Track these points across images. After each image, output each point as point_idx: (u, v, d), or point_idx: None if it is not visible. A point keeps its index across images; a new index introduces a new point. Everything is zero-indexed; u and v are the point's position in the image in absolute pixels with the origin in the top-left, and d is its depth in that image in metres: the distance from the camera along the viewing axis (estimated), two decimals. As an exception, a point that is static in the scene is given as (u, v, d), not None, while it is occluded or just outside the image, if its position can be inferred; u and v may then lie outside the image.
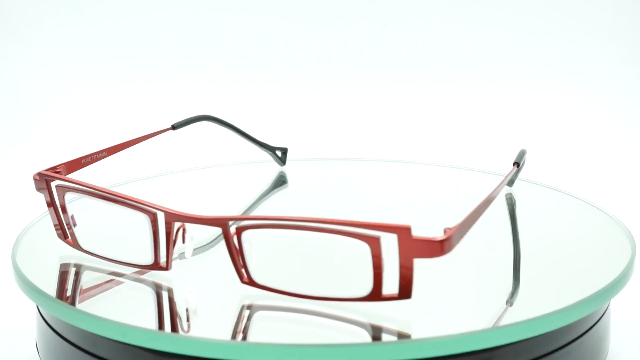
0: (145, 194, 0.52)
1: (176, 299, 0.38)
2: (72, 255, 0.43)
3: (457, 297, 0.38)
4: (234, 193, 0.56)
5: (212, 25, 0.88)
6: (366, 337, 0.34)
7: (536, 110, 0.84)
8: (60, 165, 0.46)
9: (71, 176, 0.44)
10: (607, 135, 0.80)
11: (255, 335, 0.34)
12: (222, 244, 0.36)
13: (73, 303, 0.37)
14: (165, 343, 0.33)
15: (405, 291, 0.34)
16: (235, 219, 0.36)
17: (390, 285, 0.34)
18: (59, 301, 0.36)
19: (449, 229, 0.34)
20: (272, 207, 0.53)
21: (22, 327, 0.46)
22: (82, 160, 0.48)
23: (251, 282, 0.36)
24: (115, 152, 0.51)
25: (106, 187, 0.41)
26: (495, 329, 0.34)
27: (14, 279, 0.39)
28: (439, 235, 0.33)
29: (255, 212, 0.51)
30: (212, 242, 0.44)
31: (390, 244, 0.33)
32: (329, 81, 0.86)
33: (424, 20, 0.88)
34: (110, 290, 0.39)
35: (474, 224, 0.36)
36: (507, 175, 0.45)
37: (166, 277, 0.39)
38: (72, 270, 0.41)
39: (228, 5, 0.88)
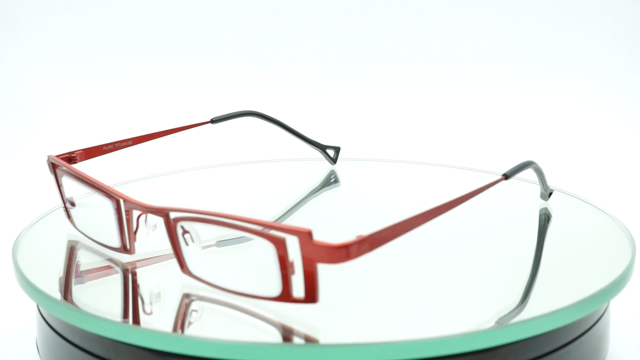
0: (197, 186, 0.55)
1: (143, 287, 0.39)
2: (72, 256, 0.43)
3: (457, 297, 0.38)
4: (281, 190, 0.56)
5: (201, 28, 0.88)
6: (276, 336, 0.34)
7: (536, 111, 0.84)
8: (78, 150, 0.47)
9: (86, 163, 0.47)
10: (608, 136, 0.80)
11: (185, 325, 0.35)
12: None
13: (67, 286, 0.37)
14: (166, 343, 0.33)
15: (310, 295, 0.33)
16: (175, 210, 0.36)
17: (300, 287, 0.34)
18: (59, 301, 0.36)
19: (360, 236, 0.33)
20: (321, 205, 0.52)
21: (22, 327, 0.46)
22: (104, 147, 0.48)
23: (187, 272, 0.37)
24: (142, 142, 0.50)
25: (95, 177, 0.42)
26: (495, 328, 0.34)
27: (15, 279, 0.39)
28: (339, 241, 0.33)
29: (304, 210, 0.51)
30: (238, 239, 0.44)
31: (296, 247, 0.33)
32: (329, 81, 0.86)
33: (424, 20, 0.88)
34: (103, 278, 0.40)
35: (402, 234, 0.35)
36: (474, 191, 0.40)
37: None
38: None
39: (228, 5, 0.88)
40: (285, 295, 0.34)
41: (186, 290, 0.38)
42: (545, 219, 0.47)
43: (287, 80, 0.87)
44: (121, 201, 0.39)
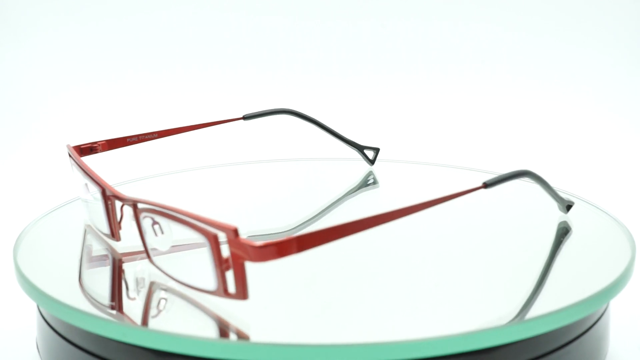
0: (229, 183, 0.56)
1: (128, 275, 0.40)
2: (73, 256, 0.43)
3: (457, 297, 0.38)
4: (316, 189, 0.56)
5: (204, 27, 0.88)
6: (212, 331, 0.35)
7: (536, 110, 0.84)
8: (101, 141, 0.48)
9: (107, 153, 0.49)
10: (608, 136, 0.80)
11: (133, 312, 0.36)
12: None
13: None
14: (166, 343, 0.33)
15: (241, 291, 0.34)
16: (142, 202, 0.37)
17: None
18: (59, 301, 0.36)
19: (289, 237, 0.33)
20: (358, 206, 0.51)
21: (22, 327, 0.46)
22: (127, 139, 0.49)
23: (151, 261, 0.38)
24: (167, 135, 0.51)
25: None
26: (495, 329, 0.34)
27: (15, 279, 0.39)
28: (262, 241, 0.33)
29: (340, 211, 0.50)
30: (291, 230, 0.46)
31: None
32: (329, 81, 0.86)
33: (423, 20, 0.88)
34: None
35: (335, 239, 0.34)
36: (447, 197, 0.39)
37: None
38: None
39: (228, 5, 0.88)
40: (222, 290, 0.34)
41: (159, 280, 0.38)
42: (562, 234, 0.45)
43: (287, 80, 0.87)
44: (106, 190, 0.40)
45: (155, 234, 0.37)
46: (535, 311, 0.36)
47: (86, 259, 0.43)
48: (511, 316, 0.35)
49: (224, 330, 0.35)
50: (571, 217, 0.49)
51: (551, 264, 0.42)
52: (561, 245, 0.44)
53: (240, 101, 0.84)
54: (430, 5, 0.88)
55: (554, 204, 0.51)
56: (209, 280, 0.34)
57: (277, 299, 0.38)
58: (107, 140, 0.49)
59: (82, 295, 0.38)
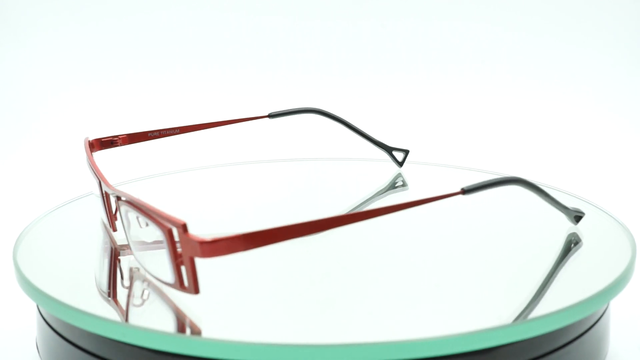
0: (265, 180, 0.57)
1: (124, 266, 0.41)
2: (72, 256, 0.43)
3: (457, 297, 0.38)
4: (345, 189, 0.56)
5: (203, 26, 0.88)
6: (170, 325, 0.35)
7: (536, 110, 0.84)
8: (122, 135, 0.49)
9: (128, 147, 0.50)
10: (608, 136, 0.80)
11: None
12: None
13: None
14: (166, 343, 0.33)
15: (192, 285, 0.34)
16: (122, 194, 0.38)
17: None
18: (59, 301, 0.36)
19: (237, 235, 0.33)
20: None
21: (22, 327, 0.46)
22: (149, 134, 0.49)
23: (129, 251, 0.40)
24: (189, 132, 0.51)
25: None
26: (495, 329, 0.34)
27: (15, 279, 0.39)
28: (209, 237, 0.33)
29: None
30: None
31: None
32: (329, 81, 0.87)
33: (424, 20, 0.88)
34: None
35: (284, 239, 0.34)
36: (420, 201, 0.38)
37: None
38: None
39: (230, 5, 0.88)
40: (178, 284, 0.35)
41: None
42: (569, 245, 0.44)
43: (287, 80, 0.87)
44: (102, 183, 0.41)
45: (140, 227, 0.37)
46: (535, 311, 0.36)
47: (100, 251, 0.44)
48: (511, 316, 0.35)
49: (181, 323, 0.35)
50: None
51: (556, 270, 0.41)
52: (568, 255, 0.42)
53: (253, 101, 0.84)
54: (430, 5, 0.88)
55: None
56: (169, 273, 0.35)
57: (277, 298, 0.38)
58: (127, 134, 0.49)
59: (82, 295, 0.38)
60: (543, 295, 0.38)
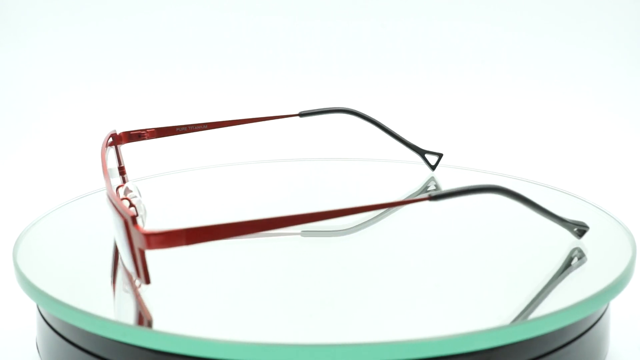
0: (298, 178, 0.57)
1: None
2: (72, 256, 0.43)
3: (457, 297, 0.38)
4: (377, 190, 0.55)
5: (203, 26, 0.88)
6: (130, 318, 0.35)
7: (536, 110, 0.84)
8: (150, 129, 0.50)
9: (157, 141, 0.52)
10: (608, 136, 0.80)
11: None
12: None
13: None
14: (166, 343, 0.33)
15: (144, 276, 0.35)
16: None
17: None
18: (59, 301, 0.36)
19: (180, 230, 0.34)
20: (419, 211, 0.49)
21: (22, 327, 0.46)
22: (177, 129, 0.50)
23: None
24: (217, 127, 0.51)
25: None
26: (495, 329, 0.34)
27: (15, 279, 0.39)
28: (154, 229, 0.34)
29: (401, 214, 0.49)
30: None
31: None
32: (329, 81, 0.86)
33: (424, 20, 0.88)
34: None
35: (229, 236, 0.34)
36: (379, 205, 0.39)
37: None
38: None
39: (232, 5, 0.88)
40: (136, 274, 0.35)
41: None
42: (570, 259, 0.42)
43: (287, 80, 0.87)
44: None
45: (137, 214, 0.39)
46: (535, 312, 0.36)
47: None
48: (511, 317, 0.35)
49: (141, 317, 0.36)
50: (571, 216, 0.48)
51: (557, 273, 0.41)
52: (570, 267, 0.41)
53: (270, 101, 0.84)
54: (430, 5, 0.88)
55: (553, 203, 0.50)
56: (130, 263, 0.35)
57: (277, 298, 0.38)
58: (156, 129, 0.50)
59: (82, 295, 0.38)
60: (543, 295, 0.38)
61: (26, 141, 0.80)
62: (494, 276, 0.41)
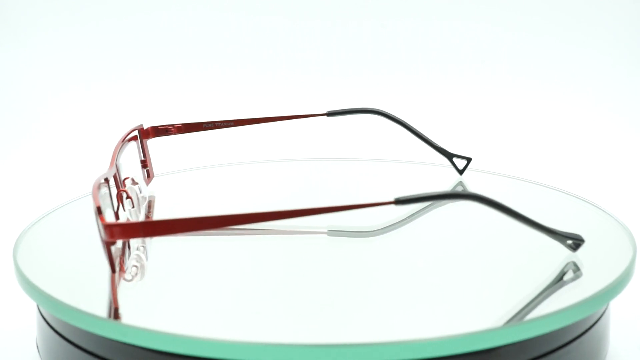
0: (327, 177, 0.57)
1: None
2: (72, 256, 0.43)
3: (457, 297, 0.38)
4: (404, 191, 0.54)
5: (200, 26, 0.88)
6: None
7: (536, 110, 0.84)
8: (177, 124, 0.51)
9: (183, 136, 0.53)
10: (608, 136, 0.80)
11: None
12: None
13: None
14: (166, 343, 0.33)
15: (110, 265, 0.37)
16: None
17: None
18: (59, 301, 0.36)
19: (136, 222, 0.36)
20: (447, 216, 0.49)
21: (22, 327, 0.46)
22: (204, 125, 0.51)
23: None
24: (243, 125, 0.52)
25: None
26: (495, 329, 0.34)
27: (15, 279, 0.39)
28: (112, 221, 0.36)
29: (429, 218, 0.48)
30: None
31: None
32: (329, 81, 0.86)
33: (424, 20, 0.88)
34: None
35: (184, 231, 0.36)
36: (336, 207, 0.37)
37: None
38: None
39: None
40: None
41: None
42: (563, 274, 0.40)
43: (288, 80, 0.87)
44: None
45: (132, 206, 0.42)
46: (535, 312, 0.36)
47: None
48: (511, 317, 0.35)
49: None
50: (572, 216, 0.48)
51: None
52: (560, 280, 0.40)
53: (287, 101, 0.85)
54: (430, 5, 0.88)
55: (553, 203, 0.50)
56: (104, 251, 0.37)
57: (277, 298, 0.38)
58: (183, 124, 0.51)
59: (82, 295, 0.38)
60: (543, 295, 0.38)
61: (26, 141, 0.80)
62: (494, 277, 0.41)
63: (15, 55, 0.85)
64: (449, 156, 0.55)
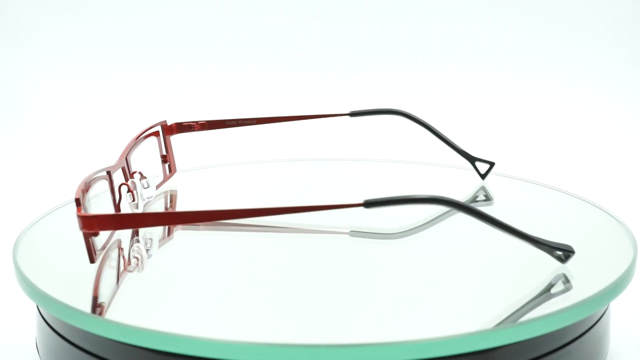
0: (349, 177, 0.57)
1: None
2: (72, 256, 0.43)
3: (457, 297, 0.38)
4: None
5: (200, 25, 0.88)
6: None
7: (536, 110, 0.84)
8: (202, 121, 0.52)
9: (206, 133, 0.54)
10: (608, 136, 0.80)
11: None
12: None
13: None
14: (166, 343, 0.33)
15: (88, 255, 0.38)
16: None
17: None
18: (59, 301, 0.36)
19: (107, 214, 0.37)
20: (468, 221, 0.47)
21: (22, 327, 0.46)
22: (227, 122, 0.52)
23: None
24: (266, 123, 0.53)
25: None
26: (495, 329, 0.34)
27: (15, 279, 0.39)
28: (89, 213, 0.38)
29: (451, 222, 0.47)
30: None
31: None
32: (329, 81, 0.86)
33: (423, 20, 0.88)
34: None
35: (155, 224, 0.39)
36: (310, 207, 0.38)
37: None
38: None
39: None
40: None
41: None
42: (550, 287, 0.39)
43: (287, 80, 0.87)
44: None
45: (133, 199, 0.44)
46: (535, 312, 0.36)
47: None
48: (512, 317, 0.35)
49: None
50: (572, 216, 0.48)
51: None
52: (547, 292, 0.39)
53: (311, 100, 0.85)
54: (430, 5, 0.88)
55: (553, 203, 0.50)
56: None
57: (277, 299, 0.38)
58: (207, 121, 0.52)
59: (82, 296, 0.38)
60: (543, 296, 0.38)
61: (26, 141, 0.80)
62: (494, 277, 0.41)
63: (15, 55, 0.85)
64: (472, 160, 0.54)
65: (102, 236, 0.44)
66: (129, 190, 0.44)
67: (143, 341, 0.33)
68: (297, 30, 0.88)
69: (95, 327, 0.35)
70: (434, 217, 0.48)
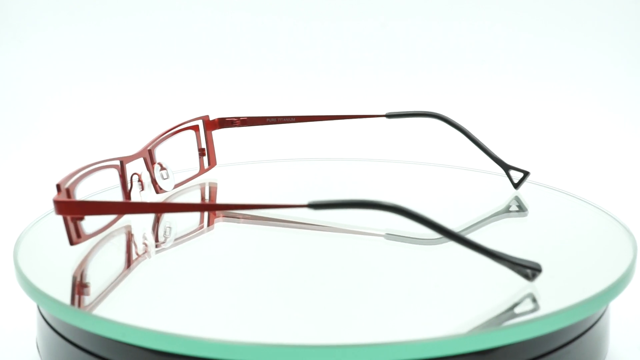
0: (380, 179, 0.58)
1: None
2: (73, 256, 0.43)
3: (457, 297, 0.38)
4: (458, 198, 0.54)
5: (204, 26, 0.88)
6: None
7: (536, 110, 0.84)
8: (243, 117, 0.54)
9: (246, 129, 0.56)
10: (608, 136, 0.80)
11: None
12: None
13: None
14: (166, 343, 0.33)
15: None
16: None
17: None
18: (59, 301, 0.36)
19: (75, 200, 0.40)
20: (502, 230, 0.48)
21: (22, 327, 0.46)
22: (267, 119, 0.54)
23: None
24: (304, 121, 0.54)
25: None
26: (495, 329, 0.34)
27: (15, 279, 0.39)
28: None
29: (485, 232, 0.47)
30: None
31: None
32: (329, 81, 0.87)
33: (423, 20, 0.88)
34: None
35: (120, 213, 0.42)
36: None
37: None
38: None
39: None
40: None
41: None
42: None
43: (287, 80, 0.87)
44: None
45: (142, 189, 0.47)
46: (535, 312, 0.36)
47: None
48: (511, 317, 0.35)
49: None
50: (572, 216, 0.48)
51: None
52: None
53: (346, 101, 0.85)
54: (430, 6, 0.88)
55: (553, 204, 0.50)
56: None
57: (277, 299, 0.38)
58: (248, 117, 0.54)
59: (82, 296, 0.38)
60: (543, 295, 0.38)
61: (26, 141, 0.80)
62: (494, 277, 0.41)
63: (15, 55, 0.85)
64: (506, 168, 0.53)
65: (110, 230, 0.45)
66: (139, 180, 0.47)
67: (144, 341, 0.33)
68: (338, 31, 0.88)
69: (95, 327, 0.35)
70: (477, 220, 0.48)
